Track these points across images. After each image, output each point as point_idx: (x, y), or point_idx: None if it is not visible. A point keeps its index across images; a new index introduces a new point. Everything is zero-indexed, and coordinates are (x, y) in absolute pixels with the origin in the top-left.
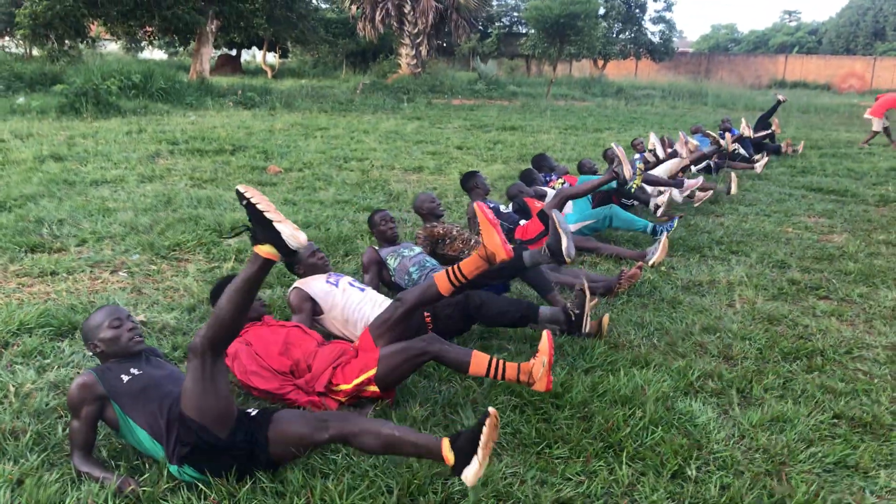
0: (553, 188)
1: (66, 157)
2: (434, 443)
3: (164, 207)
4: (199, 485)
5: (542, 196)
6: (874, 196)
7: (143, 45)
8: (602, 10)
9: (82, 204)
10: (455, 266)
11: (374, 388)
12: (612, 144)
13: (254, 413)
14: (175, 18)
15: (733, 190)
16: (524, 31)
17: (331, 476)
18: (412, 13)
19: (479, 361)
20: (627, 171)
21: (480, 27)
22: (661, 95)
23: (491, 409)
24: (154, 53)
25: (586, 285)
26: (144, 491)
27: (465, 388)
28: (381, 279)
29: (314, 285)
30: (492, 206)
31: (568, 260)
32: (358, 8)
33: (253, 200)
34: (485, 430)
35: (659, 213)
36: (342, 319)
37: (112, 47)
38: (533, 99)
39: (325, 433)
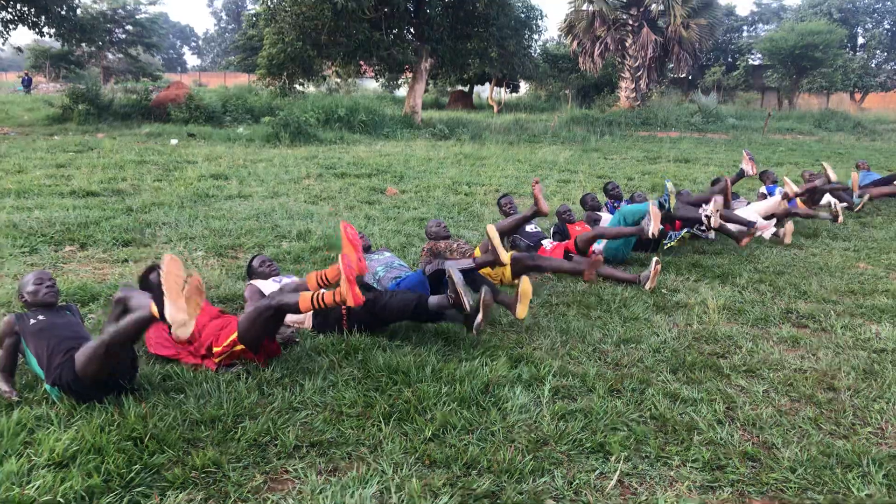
0: None
1: (225, 175)
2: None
3: (262, 217)
4: (55, 400)
5: (595, 220)
6: None
7: (399, 82)
8: (861, 40)
9: (193, 213)
10: (321, 296)
11: (241, 347)
12: (649, 203)
13: None
14: (391, 58)
15: (840, 219)
16: (773, 64)
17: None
18: (633, 47)
19: (305, 299)
20: (654, 229)
21: (729, 59)
22: None
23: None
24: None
25: (453, 272)
26: (20, 400)
27: (325, 362)
28: None
29: (264, 284)
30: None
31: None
32: (578, 44)
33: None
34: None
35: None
36: None
37: (373, 85)
38: (750, 132)
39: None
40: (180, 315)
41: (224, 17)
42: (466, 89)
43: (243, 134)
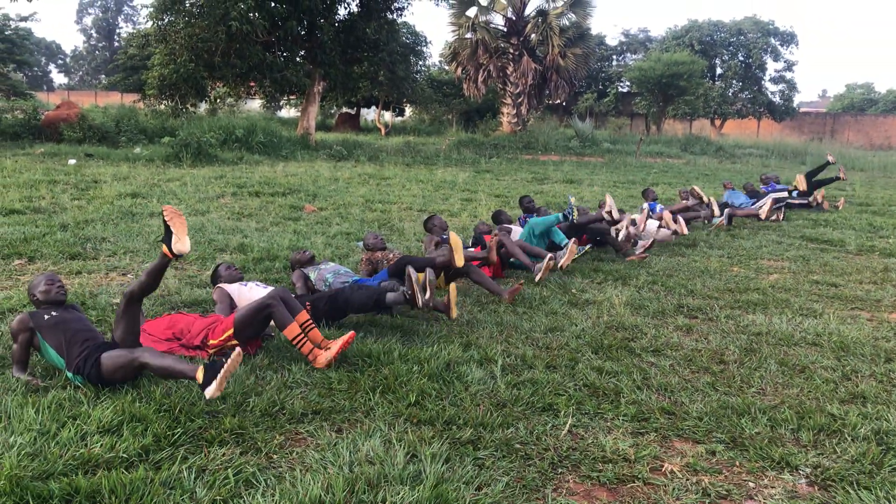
0: None
1: (143, 194)
2: (193, 371)
3: (194, 232)
4: (79, 385)
5: (508, 232)
6: (858, 246)
7: (281, 103)
8: (719, 70)
9: (127, 229)
10: (302, 337)
11: (235, 342)
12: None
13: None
14: (284, 80)
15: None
16: (640, 92)
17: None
18: (514, 74)
19: (292, 329)
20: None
21: (600, 87)
22: (761, 154)
23: (237, 348)
24: (292, 112)
25: (411, 271)
26: (46, 385)
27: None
28: (308, 287)
29: (231, 286)
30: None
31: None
32: (462, 70)
33: (167, 219)
34: (228, 361)
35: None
36: None
37: (255, 105)
38: (624, 156)
39: (135, 361)
40: (182, 246)
41: (94, 34)
42: (353, 111)
43: (142, 154)
